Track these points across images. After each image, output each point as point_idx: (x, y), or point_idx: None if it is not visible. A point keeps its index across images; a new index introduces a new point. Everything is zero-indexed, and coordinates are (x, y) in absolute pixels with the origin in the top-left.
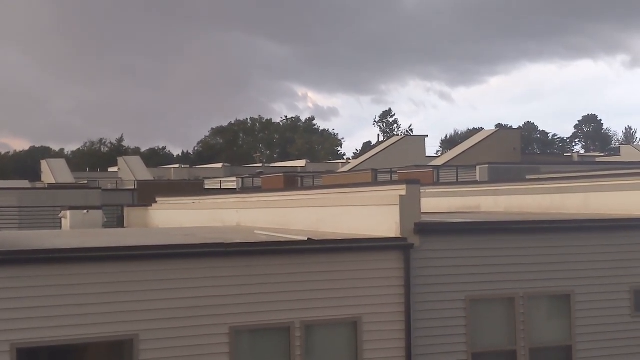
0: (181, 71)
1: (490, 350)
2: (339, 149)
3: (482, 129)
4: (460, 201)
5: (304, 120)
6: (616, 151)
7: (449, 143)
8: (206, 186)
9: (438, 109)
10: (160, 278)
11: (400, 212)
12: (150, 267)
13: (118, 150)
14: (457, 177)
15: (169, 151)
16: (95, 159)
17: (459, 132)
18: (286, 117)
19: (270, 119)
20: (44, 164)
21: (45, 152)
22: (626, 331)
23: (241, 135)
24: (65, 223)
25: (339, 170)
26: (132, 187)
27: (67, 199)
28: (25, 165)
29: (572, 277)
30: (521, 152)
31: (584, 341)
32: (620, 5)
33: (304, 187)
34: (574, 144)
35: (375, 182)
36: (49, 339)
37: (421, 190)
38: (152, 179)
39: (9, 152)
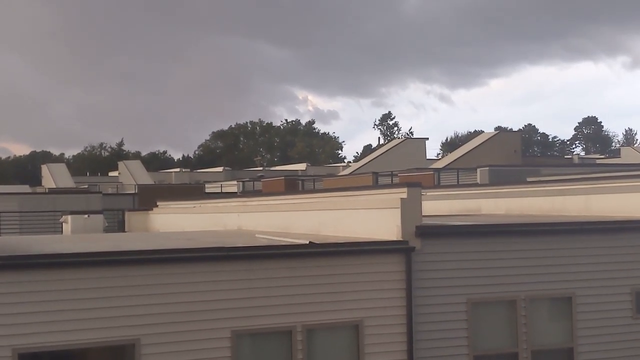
0: (181, 75)
1: (492, 352)
2: (340, 152)
3: (482, 131)
4: (461, 204)
5: (304, 124)
6: (616, 153)
7: (449, 146)
8: (207, 190)
9: (438, 111)
10: (161, 282)
11: (401, 215)
12: (152, 271)
13: (118, 155)
14: (457, 179)
15: (170, 155)
16: (95, 163)
17: (460, 135)
18: (286, 120)
19: (271, 123)
20: (44, 168)
21: (45, 157)
22: (628, 333)
23: (242, 138)
24: (66, 228)
25: (339, 174)
26: (133, 192)
27: (68, 204)
28: (25, 170)
29: (574, 279)
30: (521, 154)
31: (585, 343)
32: (620, 7)
33: (305, 191)
34: (574, 146)
35: (376, 185)
36: (51, 344)
37: (422, 193)
38: (153, 183)
39: (9, 157)
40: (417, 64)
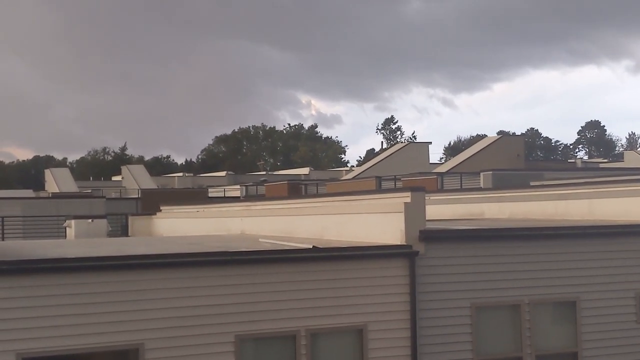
0: (185, 79)
1: (496, 357)
2: (343, 156)
3: (485, 135)
4: (465, 208)
5: (307, 128)
6: (619, 157)
7: (452, 150)
8: (210, 194)
9: (441, 115)
10: (165, 287)
11: (405, 219)
12: (156, 275)
13: (121, 159)
14: (461, 184)
15: (173, 160)
16: (98, 168)
17: (462, 139)
18: (289, 124)
19: (274, 127)
20: (47, 173)
21: (48, 162)
22: (632, 337)
23: (245, 143)
24: (70, 232)
25: (342, 178)
26: (136, 196)
27: (71, 208)
28: (28, 174)
29: (578, 283)
30: (524, 158)
31: (589, 347)
32: (624, 11)
33: (308, 195)
34: (577, 150)
35: (380, 190)
36: (54, 348)
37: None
38: (156, 187)
39: (12, 162)
40: (420, 68)
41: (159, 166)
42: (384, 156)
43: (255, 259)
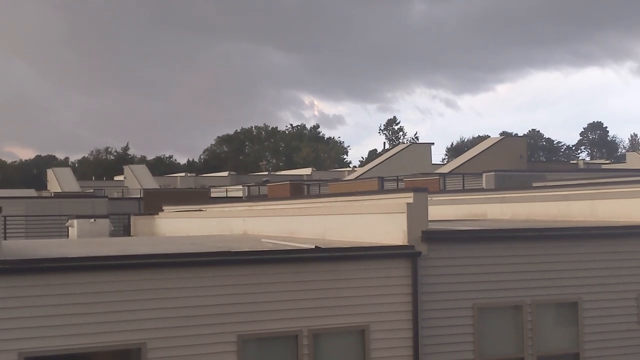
0: (188, 80)
1: (497, 358)
2: (345, 156)
3: (488, 136)
4: (467, 209)
5: (309, 129)
6: (622, 158)
7: (455, 151)
8: (212, 195)
9: (444, 116)
10: (167, 287)
11: (407, 220)
12: (158, 275)
13: (124, 159)
14: (463, 184)
15: (175, 160)
16: (101, 167)
17: (465, 140)
18: (292, 125)
19: (276, 127)
20: (50, 172)
21: (50, 161)
22: (633, 338)
23: (247, 143)
24: (72, 232)
25: (345, 178)
26: (139, 196)
27: (74, 208)
28: (31, 174)
29: (580, 284)
30: (527, 159)
31: (591, 348)
32: (627, 12)
33: (310, 195)
34: (579, 152)
35: (382, 190)
36: (57, 348)
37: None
38: (158, 187)
39: (15, 161)
40: (423, 69)
41: (161, 166)
42: (387, 157)
43: (258, 259)
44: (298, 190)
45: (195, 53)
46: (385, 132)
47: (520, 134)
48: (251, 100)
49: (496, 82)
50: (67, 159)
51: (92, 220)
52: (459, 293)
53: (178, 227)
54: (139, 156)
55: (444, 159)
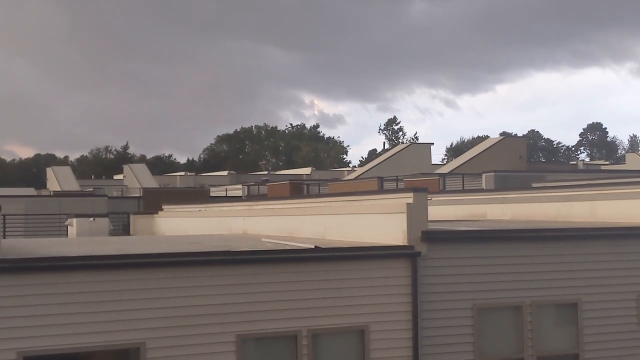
0: (188, 79)
1: (497, 358)
2: (345, 156)
3: (487, 136)
4: (467, 209)
5: (309, 128)
6: (621, 159)
7: (454, 151)
8: (212, 194)
9: (444, 116)
10: (167, 286)
11: (407, 220)
12: (157, 274)
13: (123, 158)
14: (463, 185)
15: (175, 159)
16: (100, 166)
17: (465, 140)
18: (291, 124)
19: (276, 127)
20: (49, 171)
21: (50, 160)
22: (633, 339)
23: (247, 142)
24: (72, 231)
25: (344, 178)
26: (138, 195)
27: (73, 207)
28: (30, 173)
29: (579, 285)
30: (526, 160)
31: (591, 349)
32: (628, 13)
33: (310, 195)
34: (579, 152)
35: (382, 190)
36: (56, 347)
37: (428, 198)
38: (158, 186)
39: (14, 160)
40: (423, 69)
41: (160, 165)
42: (386, 157)
43: (257, 259)
44: (298, 189)
45: (196, 52)
46: (385, 131)
47: (520, 134)
48: (251, 99)
49: (496, 82)
50: (66, 157)
51: (92, 219)
52: (459, 293)
53: (177, 227)
54: (138, 155)
55: (444, 159)
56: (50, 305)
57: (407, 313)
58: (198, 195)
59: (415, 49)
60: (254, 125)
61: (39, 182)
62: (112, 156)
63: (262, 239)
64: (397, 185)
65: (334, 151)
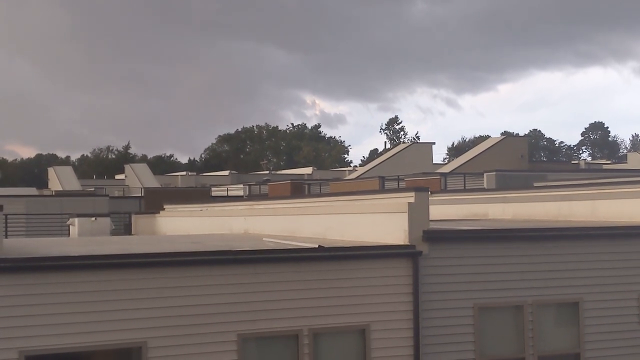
0: (189, 79)
1: (498, 358)
2: (346, 156)
3: (489, 136)
4: (468, 209)
5: (310, 128)
6: (623, 159)
7: (456, 150)
8: (213, 194)
9: (445, 116)
10: (168, 285)
11: (408, 219)
12: (159, 274)
13: (125, 158)
14: (464, 184)
15: (176, 159)
16: (102, 166)
17: (466, 140)
18: (292, 124)
19: (277, 127)
20: (50, 171)
21: (51, 160)
22: (635, 339)
23: (248, 142)
24: (73, 230)
25: (346, 178)
26: (139, 195)
27: (75, 207)
28: (32, 172)
29: (581, 284)
30: (528, 159)
31: (592, 349)
32: (630, 12)
33: (311, 195)
34: (580, 152)
35: (383, 190)
36: (57, 346)
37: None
38: (159, 186)
39: (16, 160)
40: (424, 68)
41: (162, 165)
42: (388, 156)
43: (259, 258)
44: (299, 189)
45: (197, 52)
46: (386, 131)
47: (522, 133)
48: (253, 99)
49: (498, 82)
50: (68, 157)
51: (93, 218)
52: (460, 293)
53: (179, 226)
54: (140, 155)
55: (445, 158)
56: (52, 305)
57: (408, 312)
58: (199, 195)
59: (416, 49)
60: (255, 125)
61: (41, 182)
62: (113, 156)
63: (264, 239)
64: (398, 184)
65: (335, 151)
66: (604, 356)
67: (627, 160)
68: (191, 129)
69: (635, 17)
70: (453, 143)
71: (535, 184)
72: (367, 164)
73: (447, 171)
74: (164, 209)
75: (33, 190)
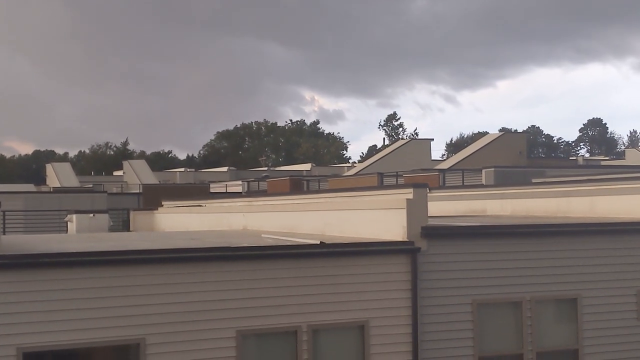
0: (188, 75)
1: (497, 354)
2: (345, 152)
3: (487, 132)
4: (466, 205)
5: (309, 124)
6: (621, 155)
7: (454, 147)
8: (212, 190)
9: (444, 112)
10: (167, 282)
11: (407, 215)
12: (157, 271)
13: (123, 154)
14: (462, 180)
15: (175, 155)
16: (100, 163)
17: (465, 136)
18: (291, 120)
19: (276, 123)
20: (49, 167)
21: (49, 156)
22: (632, 335)
23: (247, 139)
24: (71, 227)
25: (344, 174)
26: (138, 191)
27: (73, 203)
28: (30, 169)
29: (579, 280)
30: (526, 155)
31: (590, 345)
32: (629, 8)
33: (310, 191)
34: (579, 148)
35: (382, 186)
36: (56, 343)
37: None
38: (158, 182)
39: (14, 156)
40: (423, 64)
41: (160, 161)
42: (386, 152)
43: (257, 255)
44: (298, 185)
45: (197, 49)
46: (385, 127)
47: (520, 130)
48: (252, 96)
49: (496, 78)
50: (66, 154)
51: (91, 215)
52: (459, 289)
53: (177, 223)
54: (138, 151)
55: (444, 154)
56: (50, 302)
57: (407, 308)
58: (198, 192)
59: (415, 45)
60: (254, 122)
61: (39, 178)
62: (111, 152)
63: (262, 235)
64: (397, 181)
65: (334, 147)
66: (602, 352)
67: (625, 157)
68: (190, 126)
69: (635, 14)
70: (452, 139)
71: (534, 180)
72: (365, 160)
73: (445, 167)
74: (162, 206)
75: (31, 187)
